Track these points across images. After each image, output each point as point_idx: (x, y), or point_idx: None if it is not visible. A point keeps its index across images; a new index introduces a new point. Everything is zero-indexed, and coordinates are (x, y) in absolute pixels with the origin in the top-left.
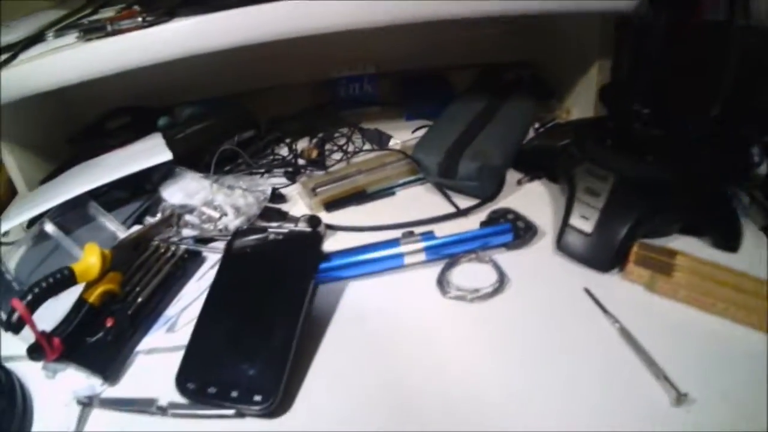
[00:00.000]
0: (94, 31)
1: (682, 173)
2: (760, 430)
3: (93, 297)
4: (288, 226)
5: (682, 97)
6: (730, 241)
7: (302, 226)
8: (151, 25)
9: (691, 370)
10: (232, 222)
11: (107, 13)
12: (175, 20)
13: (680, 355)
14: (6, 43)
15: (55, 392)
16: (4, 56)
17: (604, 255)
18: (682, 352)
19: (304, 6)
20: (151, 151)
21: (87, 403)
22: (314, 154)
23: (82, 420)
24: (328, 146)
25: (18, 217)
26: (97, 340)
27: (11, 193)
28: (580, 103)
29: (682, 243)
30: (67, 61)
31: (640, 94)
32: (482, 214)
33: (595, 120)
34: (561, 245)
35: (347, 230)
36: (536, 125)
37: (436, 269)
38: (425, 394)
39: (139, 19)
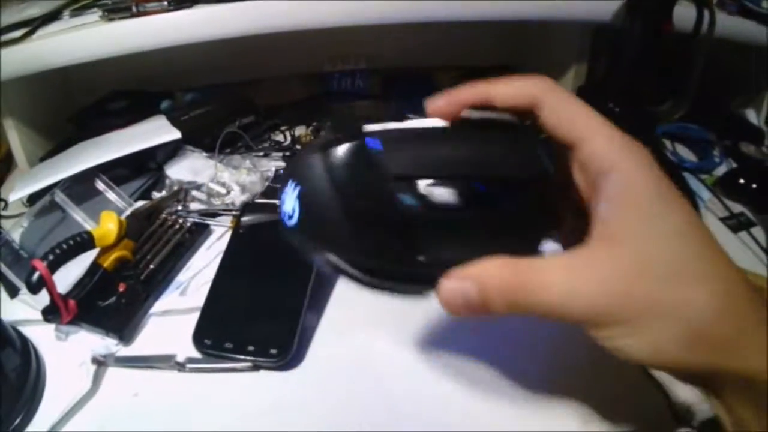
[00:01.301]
0: (118, 11)
1: None
2: None
3: (108, 262)
4: None
5: (651, 98)
6: None
7: None
8: (175, 9)
9: None
10: (239, 198)
11: None
12: (198, 6)
13: None
14: (27, 18)
15: (67, 354)
16: (23, 30)
17: None
18: None
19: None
20: (157, 131)
21: (103, 362)
22: (310, 139)
23: (97, 378)
24: (323, 134)
25: (27, 188)
26: (110, 304)
27: (6, 167)
28: None
29: None
30: (94, 38)
31: (613, 94)
32: None
33: None
34: None
35: None
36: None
37: None
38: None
39: (165, 2)
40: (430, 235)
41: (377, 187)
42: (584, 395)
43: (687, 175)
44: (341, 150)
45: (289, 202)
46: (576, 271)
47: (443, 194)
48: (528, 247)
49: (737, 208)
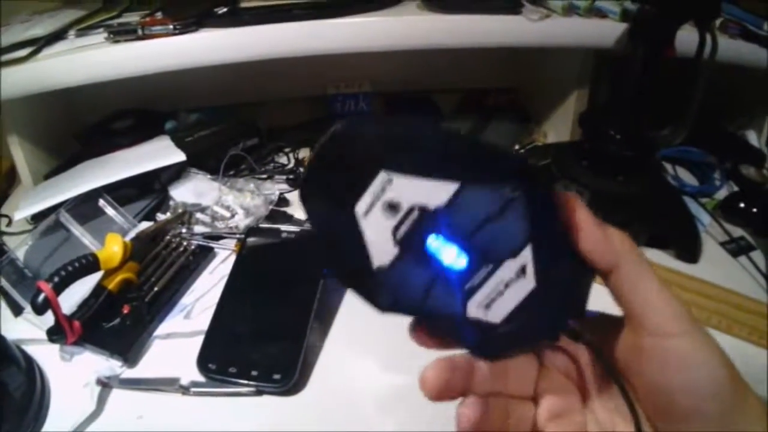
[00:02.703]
0: (124, 33)
1: (649, 191)
2: None
3: (113, 284)
4: (298, 226)
5: (653, 124)
6: (690, 252)
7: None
8: (180, 33)
9: None
10: (243, 221)
11: (131, 17)
12: (203, 30)
13: None
14: (31, 37)
15: (72, 375)
16: (28, 50)
17: None
18: None
19: (320, 26)
20: (163, 152)
21: (107, 383)
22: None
23: (102, 400)
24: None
25: (32, 207)
26: (115, 326)
27: (8, 183)
28: (557, 128)
29: (648, 255)
30: (99, 60)
31: (615, 120)
32: None
33: (572, 143)
34: None
35: None
36: (516, 147)
37: None
38: None
39: (171, 26)
40: None
41: None
42: None
43: (687, 200)
44: None
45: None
46: None
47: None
48: None
49: (737, 232)
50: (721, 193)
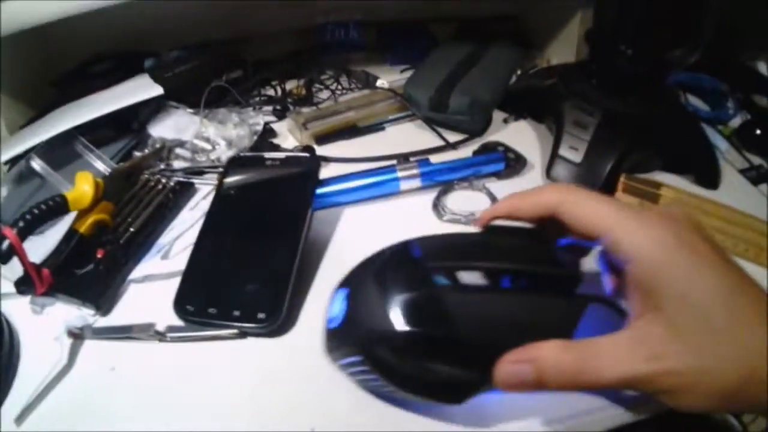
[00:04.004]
0: None
1: (663, 112)
2: None
3: (84, 227)
4: (285, 152)
5: (664, 40)
6: (710, 177)
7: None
8: None
9: None
10: (225, 153)
11: None
12: None
13: None
14: None
15: (43, 328)
16: None
17: (592, 184)
18: None
19: None
20: (139, 88)
21: (79, 334)
22: (302, 92)
23: (73, 352)
24: (315, 86)
25: (4, 154)
26: (88, 272)
27: None
28: (561, 54)
29: (665, 179)
30: None
31: (625, 35)
32: (471, 149)
33: (580, 62)
34: (551, 175)
35: (341, 161)
36: (518, 72)
37: (429, 196)
38: None
39: None
40: (463, 313)
41: (416, 275)
42: None
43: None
44: (385, 254)
45: (336, 305)
46: (629, 349)
47: (473, 277)
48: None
49: (755, 160)
50: (735, 122)
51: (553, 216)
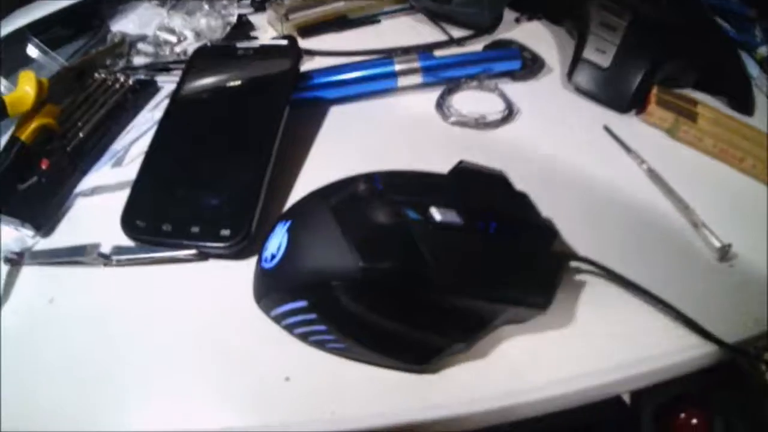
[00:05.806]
0: None
1: (696, 24)
2: None
3: (26, 134)
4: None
5: None
6: (745, 101)
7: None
8: None
9: (727, 223)
10: (192, 46)
11: None
12: None
13: (714, 206)
14: None
15: None
16: None
17: (622, 93)
18: (715, 203)
19: None
20: None
21: (16, 260)
22: None
23: (10, 280)
24: None
25: None
26: (31, 186)
27: None
28: None
29: (699, 98)
30: None
31: None
32: (478, 47)
33: None
34: (573, 80)
35: (326, 55)
36: None
37: (432, 94)
38: None
39: None
40: (438, 253)
41: (383, 207)
42: None
43: None
44: (342, 184)
45: (275, 240)
46: None
47: (448, 215)
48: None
49: None
50: (761, 50)
51: None
